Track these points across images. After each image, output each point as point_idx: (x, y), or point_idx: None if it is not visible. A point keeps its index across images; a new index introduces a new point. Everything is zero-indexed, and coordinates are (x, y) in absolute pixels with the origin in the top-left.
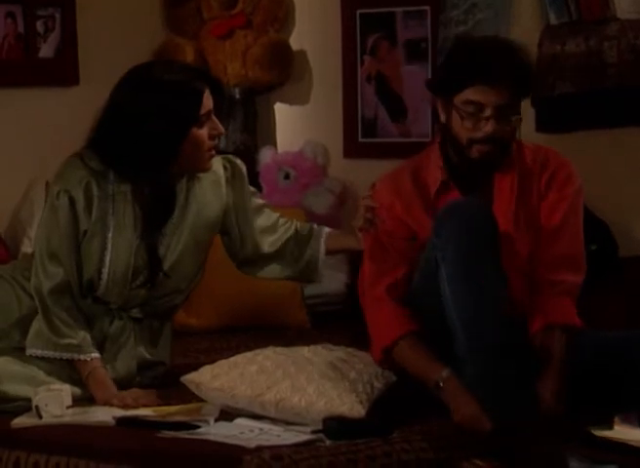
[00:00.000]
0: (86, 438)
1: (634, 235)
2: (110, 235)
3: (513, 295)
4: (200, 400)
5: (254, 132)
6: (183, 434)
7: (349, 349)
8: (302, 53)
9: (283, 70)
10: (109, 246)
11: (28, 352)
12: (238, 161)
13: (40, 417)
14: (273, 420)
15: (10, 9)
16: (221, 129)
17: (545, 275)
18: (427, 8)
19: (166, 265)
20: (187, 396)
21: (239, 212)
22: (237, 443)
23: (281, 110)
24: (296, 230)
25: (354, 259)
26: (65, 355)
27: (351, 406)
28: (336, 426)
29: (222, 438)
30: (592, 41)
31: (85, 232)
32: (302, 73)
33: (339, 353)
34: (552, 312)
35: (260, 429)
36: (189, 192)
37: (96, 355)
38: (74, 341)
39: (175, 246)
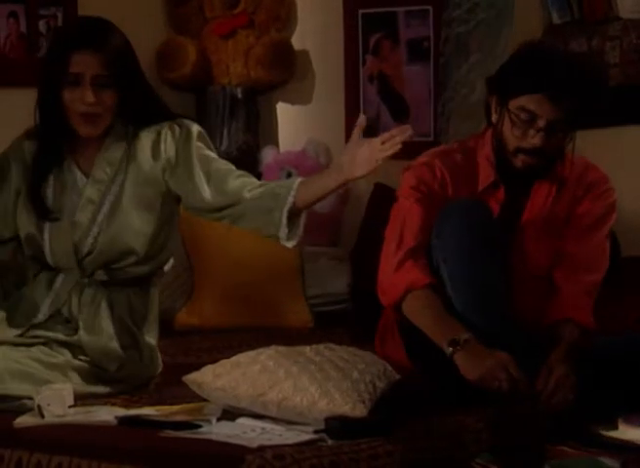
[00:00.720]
0: (88, 437)
1: (634, 235)
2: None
3: (527, 298)
4: (202, 399)
5: (256, 131)
6: (186, 433)
7: (352, 349)
8: (305, 52)
9: (285, 70)
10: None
11: None
12: (189, 123)
13: (42, 417)
14: (275, 420)
15: (12, 8)
16: (88, 98)
17: (566, 276)
18: (429, 7)
19: (108, 217)
20: (189, 395)
21: (180, 167)
22: (239, 442)
23: (283, 110)
24: (264, 185)
25: (357, 260)
26: None
27: (353, 405)
28: (338, 426)
29: (225, 437)
30: (595, 41)
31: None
32: (305, 73)
33: (341, 353)
34: (568, 308)
35: (263, 429)
36: (130, 149)
37: None
38: None
39: (116, 198)
